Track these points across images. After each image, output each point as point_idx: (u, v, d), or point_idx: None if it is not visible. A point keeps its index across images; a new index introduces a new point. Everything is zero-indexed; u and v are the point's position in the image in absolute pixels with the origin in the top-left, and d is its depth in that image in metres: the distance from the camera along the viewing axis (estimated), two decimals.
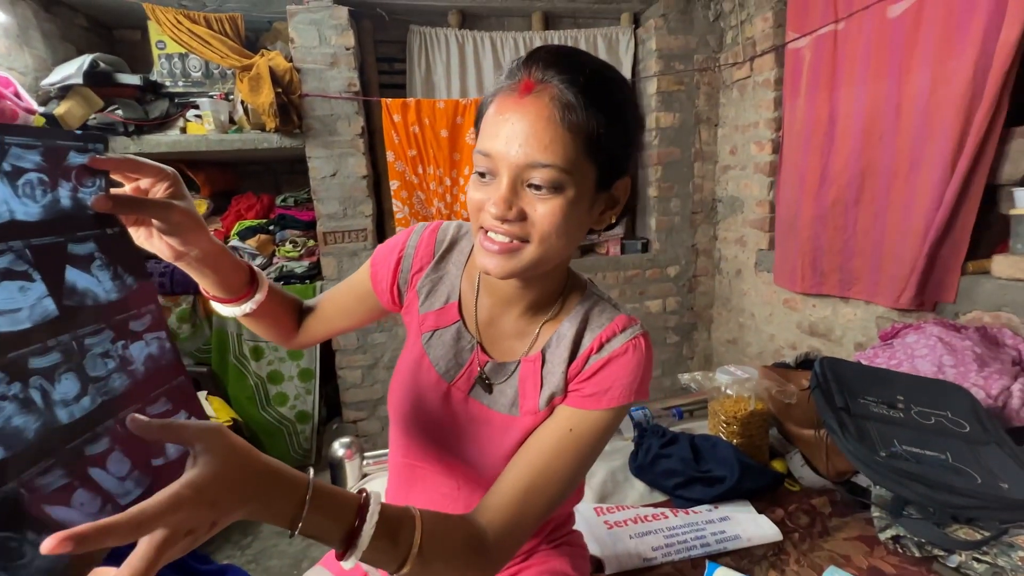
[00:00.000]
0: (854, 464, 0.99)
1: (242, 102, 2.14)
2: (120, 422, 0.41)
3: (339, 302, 0.77)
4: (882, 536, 0.93)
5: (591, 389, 0.61)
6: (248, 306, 0.64)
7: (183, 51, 2.16)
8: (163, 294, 2.13)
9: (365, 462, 1.20)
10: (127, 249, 0.47)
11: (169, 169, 0.50)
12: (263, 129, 2.17)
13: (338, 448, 1.17)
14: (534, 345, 0.65)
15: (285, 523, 0.42)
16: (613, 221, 0.61)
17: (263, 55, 2.11)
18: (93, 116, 1.95)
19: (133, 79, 2.06)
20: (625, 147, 0.55)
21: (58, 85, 1.86)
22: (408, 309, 0.72)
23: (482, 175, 0.54)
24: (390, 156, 2.29)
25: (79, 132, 0.48)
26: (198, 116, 2.15)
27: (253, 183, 2.62)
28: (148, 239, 0.52)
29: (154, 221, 0.49)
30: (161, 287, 2.11)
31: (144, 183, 0.50)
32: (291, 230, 2.30)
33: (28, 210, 0.40)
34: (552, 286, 0.64)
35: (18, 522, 0.34)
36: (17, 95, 1.69)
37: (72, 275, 0.41)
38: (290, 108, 2.16)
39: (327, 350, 2.35)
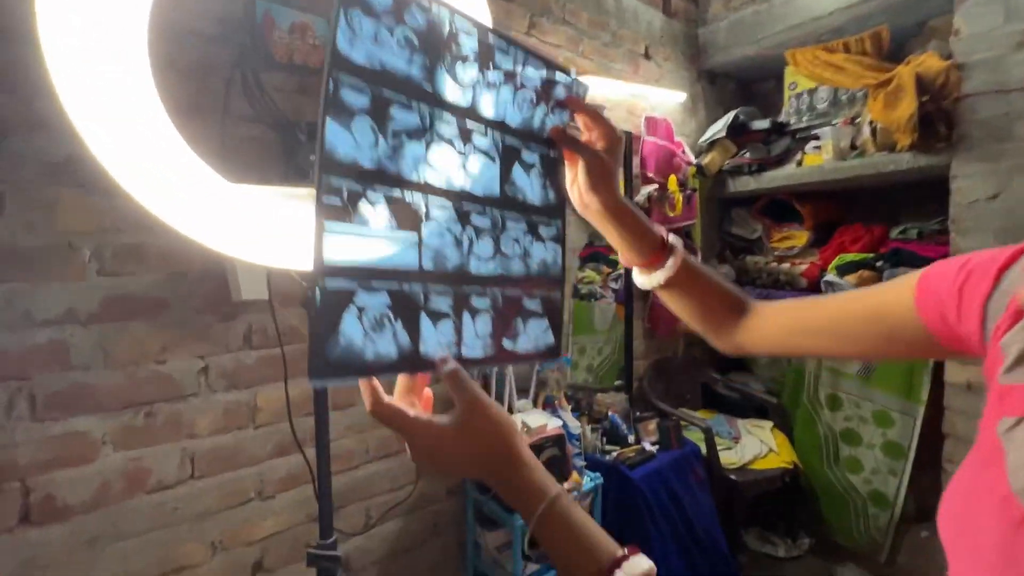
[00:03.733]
0: None
1: (870, 123, 1.91)
2: (504, 297, 0.50)
3: (831, 311, 0.52)
4: None
5: None
6: (657, 278, 0.56)
7: (812, 86, 2.17)
8: None
9: None
10: (558, 174, 0.55)
11: (618, 132, 0.54)
12: (891, 149, 1.86)
13: None
14: None
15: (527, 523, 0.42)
16: None
17: (907, 63, 1.79)
18: (727, 162, 2.28)
19: (763, 124, 2.25)
20: None
21: (708, 140, 2.30)
22: (989, 365, 0.38)
23: None
24: None
25: (570, 74, 0.56)
26: (817, 147, 2.10)
27: (863, 213, 2.31)
28: (571, 185, 0.56)
29: (580, 163, 0.53)
30: None
31: (595, 135, 0.54)
32: (907, 267, 1.85)
33: (513, 117, 0.51)
34: None
35: (408, 314, 0.42)
36: (684, 152, 2.22)
37: (516, 172, 0.52)
38: (935, 118, 1.72)
39: (933, 429, 1.75)
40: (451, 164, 0.46)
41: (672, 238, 0.56)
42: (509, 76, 0.51)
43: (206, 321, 1.14)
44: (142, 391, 1.07)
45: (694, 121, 2.41)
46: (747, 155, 2.22)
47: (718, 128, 2.24)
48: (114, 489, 1.05)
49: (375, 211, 0.40)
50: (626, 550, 0.39)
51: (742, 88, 2.67)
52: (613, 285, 2.02)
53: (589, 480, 1.59)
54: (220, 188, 0.61)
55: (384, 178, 0.41)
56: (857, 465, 1.89)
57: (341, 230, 0.38)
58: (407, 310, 0.42)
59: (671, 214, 2.09)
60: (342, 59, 0.39)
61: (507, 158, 0.51)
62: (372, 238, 0.40)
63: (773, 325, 0.56)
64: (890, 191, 2.19)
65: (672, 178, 2.08)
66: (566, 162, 0.56)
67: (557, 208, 0.56)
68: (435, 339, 0.44)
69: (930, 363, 1.75)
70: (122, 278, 1.05)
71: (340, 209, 0.38)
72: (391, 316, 0.41)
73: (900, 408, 1.80)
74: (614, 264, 2.02)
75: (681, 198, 2.07)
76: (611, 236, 0.56)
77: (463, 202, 0.47)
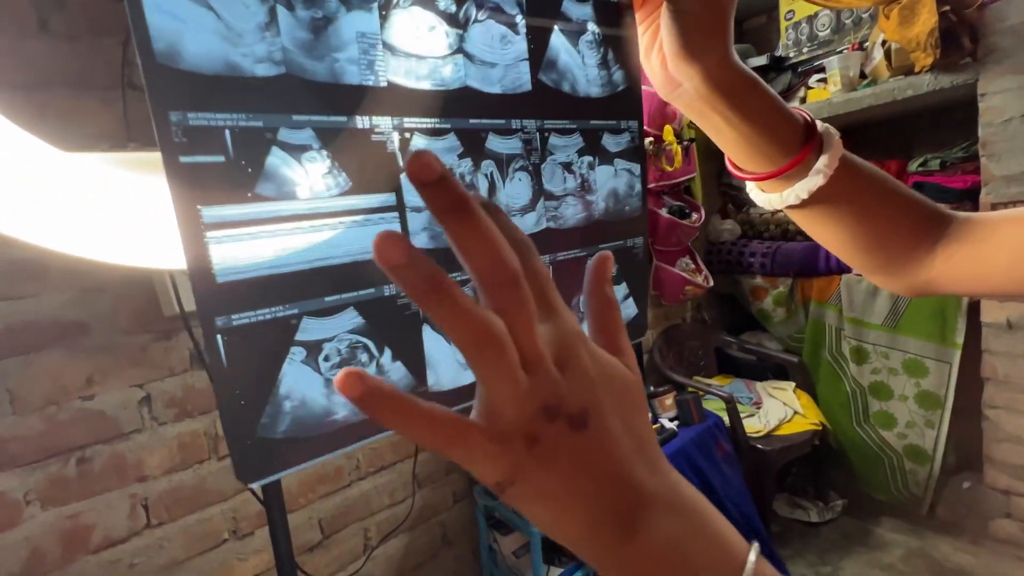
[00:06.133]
0: None
1: (883, 44, 1.70)
2: (557, 266, 0.28)
3: None
4: None
5: None
6: (796, 192, 0.33)
7: (813, 12, 1.95)
8: (762, 275, 2.08)
9: None
10: (626, 33, 0.31)
11: None
12: (908, 73, 1.66)
13: None
14: None
15: None
16: None
17: None
18: None
19: (760, 60, 2.04)
20: None
21: None
22: None
23: None
24: None
25: None
26: (821, 80, 1.90)
27: (874, 149, 2.12)
28: (648, 50, 0.33)
29: (665, 10, 0.29)
30: (761, 268, 2.05)
31: None
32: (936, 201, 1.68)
33: None
34: None
35: (393, 330, 0.23)
36: None
37: (557, 44, 0.29)
38: (959, 30, 1.53)
39: (971, 376, 1.60)
40: (436, 43, 0.25)
41: (821, 124, 0.34)
42: None
43: (139, 343, 0.94)
44: (68, 435, 0.88)
45: None
46: None
47: None
48: (50, 555, 0.86)
49: (303, 163, 0.20)
50: None
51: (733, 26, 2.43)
52: None
53: None
54: (53, 161, 0.41)
55: (307, 92, 0.20)
56: (890, 420, 1.75)
57: (241, 215, 0.19)
58: (397, 326, 0.24)
59: (669, 168, 1.89)
60: None
61: (539, 17, 0.30)
62: (307, 217, 0.20)
63: (1008, 250, 0.32)
64: (903, 120, 2.01)
65: (667, 128, 1.87)
66: (637, 10, 0.33)
67: (631, 98, 0.35)
68: (452, 360, 0.25)
69: (964, 303, 1.59)
70: (21, 301, 0.84)
71: (227, 172, 0.18)
72: (371, 343, 0.23)
73: (934, 355, 1.65)
74: None
75: (679, 149, 1.87)
76: (720, 133, 0.33)
77: (469, 115, 0.27)
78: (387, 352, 0.24)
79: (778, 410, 1.82)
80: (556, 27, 0.31)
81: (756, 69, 2.02)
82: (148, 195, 0.43)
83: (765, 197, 0.36)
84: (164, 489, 0.98)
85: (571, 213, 0.33)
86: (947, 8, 1.49)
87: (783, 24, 2.05)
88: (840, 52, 1.84)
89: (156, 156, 0.45)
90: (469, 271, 0.16)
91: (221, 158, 0.19)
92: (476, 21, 0.27)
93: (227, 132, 0.19)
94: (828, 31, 1.93)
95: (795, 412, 1.82)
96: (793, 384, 1.95)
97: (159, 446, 0.97)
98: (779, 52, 2.05)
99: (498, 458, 0.16)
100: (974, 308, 1.57)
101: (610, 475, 0.17)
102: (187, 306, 0.80)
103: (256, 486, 0.68)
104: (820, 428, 1.77)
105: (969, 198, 1.62)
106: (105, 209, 0.41)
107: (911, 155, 1.93)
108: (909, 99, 1.65)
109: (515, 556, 1.45)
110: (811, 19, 1.97)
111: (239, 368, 0.19)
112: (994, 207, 1.52)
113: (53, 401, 0.86)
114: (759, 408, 1.85)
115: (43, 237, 0.42)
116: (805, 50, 1.99)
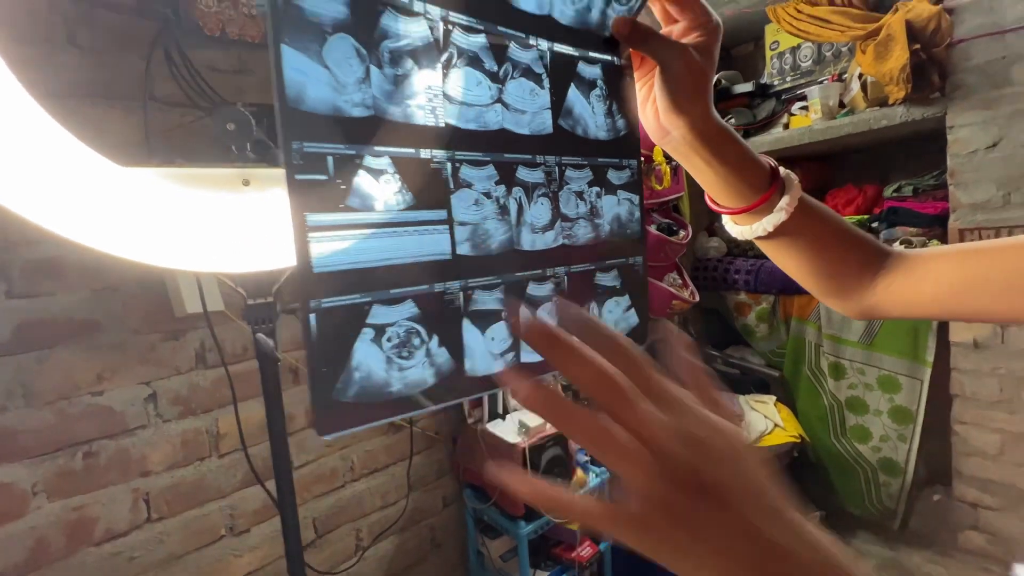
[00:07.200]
0: None
1: (860, 76, 1.82)
2: (571, 277, 0.38)
3: (996, 260, 0.37)
4: None
5: None
6: (763, 225, 0.41)
7: (796, 44, 2.07)
8: (746, 291, 2.17)
9: None
10: (627, 90, 0.41)
11: (715, 18, 0.38)
12: (883, 104, 1.77)
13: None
14: None
15: None
16: None
17: (896, 11, 1.70)
18: None
19: (745, 87, 2.15)
20: None
21: None
22: None
23: None
24: None
25: None
26: (804, 108, 2.01)
27: (852, 175, 2.24)
28: (643, 104, 0.41)
29: (658, 71, 0.37)
30: (745, 284, 2.14)
31: (678, 28, 0.39)
32: (905, 227, 1.78)
33: (564, 10, 0.38)
34: None
35: (440, 321, 0.31)
36: None
37: (573, 96, 0.38)
38: (928, 67, 1.64)
39: (940, 392, 1.69)
40: (481, 95, 0.33)
41: (783, 170, 0.41)
42: None
43: (148, 342, 0.98)
44: (77, 428, 0.92)
45: None
46: (732, 121, 2.11)
47: None
48: (54, 545, 0.90)
49: (380, 183, 0.28)
50: None
51: (721, 53, 2.56)
52: None
53: (595, 476, 1.49)
54: (111, 176, 0.47)
55: (387, 129, 0.28)
56: (865, 434, 1.83)
57: (334, 220, 0.26)
58: (443, 318, 0.31)
59: (658, 187, 1.97)
60: None
61: (559, 77, 0.37)
62: (381, 225, 0.28)
63: (932, 282, 0.39)
64: (879, 149, 2.12)
65: (657, 150, 1.96)
66: (635, 72, 0.41)
67: (630, 142, 0.43)
68: (484, 350, 0.32)
69: (934, 324, 1.69)
70: (38, 299, 0.88)
71: (327, 188, 0.26)
72: (422, 330, 0.30)
73: (906, 371, 1.74)
74: None
75: (668, 170, 1.96)
76: (701, 173, 0.41)
77: (504, 151, 0.35)
78: (435, 339, 0.31)
79: (759, 423, 1.89)
80: (572, 84, 0.40)
81: (742, 95, 2.13)
82: (198, 206, 0.48)
83: (738, 228, 0.43)
84: (166, 484, 1.01)
85: (582, 233, 0.40)
86: (918, 46, 1.60)
87: (768, 53, 2.16)
88: (821, 82, 1.96)
89: (197, 171, 0.51)
90: (576, 386, 0.21)
91: (324, 177, 0.27)
92: (512, 78, 0.36)
93: (329, 158, 0.27)
94: (810, 62, 2.05)
95: (775, 425, 1.89)
96: (774, 398, 2.02)
97: (162, 442, 1.00)
98: (764, 79, 2.16)
99: (641, 526, 0.20)
100: (943, 328, 1.67)
101: (739, 533, 0.20)
102: (210, 306, 0.85)
103: (270, 483, 0.72)
104: (799, 441, 1.84)
105: (939, 223, 1.72)
106: (156, 219, 0.47)
107: (887, 181, 2.04)
108: (884, 129, 1.76)
109: (502, 560, 1.49)
110: (795, 50, 2.08)
111: (324, 342, 0.27)
112: (961, 232, 1.62)
113: (64, 396, 0.90)
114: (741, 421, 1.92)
115: (82, 237, 0.47)
116: (788, 79, 2.10)
